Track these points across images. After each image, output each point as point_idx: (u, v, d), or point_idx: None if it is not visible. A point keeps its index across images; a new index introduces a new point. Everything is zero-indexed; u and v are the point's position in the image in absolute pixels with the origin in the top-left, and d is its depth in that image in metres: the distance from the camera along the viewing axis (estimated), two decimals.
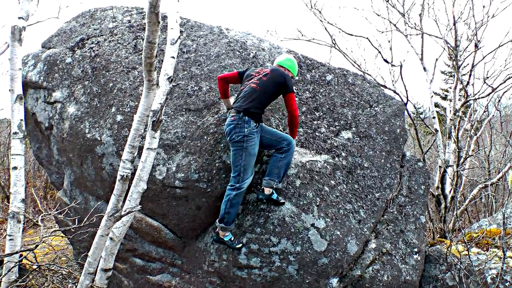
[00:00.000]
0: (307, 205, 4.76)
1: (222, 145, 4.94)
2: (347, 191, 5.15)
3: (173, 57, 4.00)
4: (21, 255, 4.38)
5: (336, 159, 5.33)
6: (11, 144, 4.79)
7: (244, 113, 4.69)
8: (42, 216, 3.98)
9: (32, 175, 10.02)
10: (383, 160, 5.60)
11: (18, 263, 4.47)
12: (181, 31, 5.89)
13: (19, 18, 4.74)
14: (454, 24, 8.33)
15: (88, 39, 6.33)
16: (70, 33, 6.50)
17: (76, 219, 5.37)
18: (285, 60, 5.22)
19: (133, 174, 4.08)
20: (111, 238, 4.10)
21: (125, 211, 3.87)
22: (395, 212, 5.47)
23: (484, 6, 8.56)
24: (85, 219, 4.33)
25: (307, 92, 5.87)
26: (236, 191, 4.57)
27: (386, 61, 8.72)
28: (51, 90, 6.03)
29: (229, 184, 4.67)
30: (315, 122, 5.58)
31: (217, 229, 4.73)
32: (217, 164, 4.87)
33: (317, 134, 5.49)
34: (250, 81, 4.94)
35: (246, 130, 4.62)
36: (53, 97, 5.97)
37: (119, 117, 5.34)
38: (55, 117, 5.90)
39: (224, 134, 4.91)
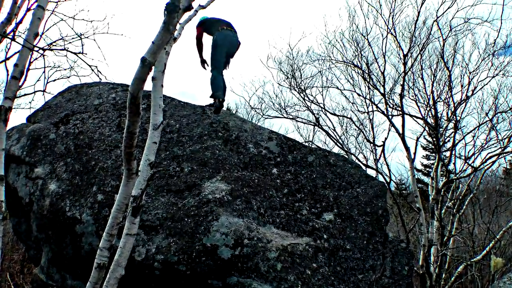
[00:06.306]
0: None
1: (202, 227, 4.90)
2: (329, 273, 5.08)
3: (155, 143, 4.01)
4: None
5: (318, 241, 5.30)
6: None
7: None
8: None
9: (10, 248, 9.79)
10: (365, 242, 5.57)
11: None
12: (164, 111, 5.96)
13: (6, 98, 4.69)
14: (434, 104, 8.57)
15: (73, 115, 6.37)
16: (55, 108, 6.55)
17: None
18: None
19: (111, 256, 4.00)
20: None
21: None
22: None
23: (462, 86, 8.89)
24: None
25: (288, 173, 5.90)
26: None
27: (369, 141, 8.89)
28: (33, 165, 5.99)
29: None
30: (297, 204, 5.58)
31: None
32: (197, 247, 4.80)
33: (298, 216, 5.48)
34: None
35: None
36: (35, 173, 5.92)
37: (100, 197, 5.30)
38: (36, 193, 5.83)
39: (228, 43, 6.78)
